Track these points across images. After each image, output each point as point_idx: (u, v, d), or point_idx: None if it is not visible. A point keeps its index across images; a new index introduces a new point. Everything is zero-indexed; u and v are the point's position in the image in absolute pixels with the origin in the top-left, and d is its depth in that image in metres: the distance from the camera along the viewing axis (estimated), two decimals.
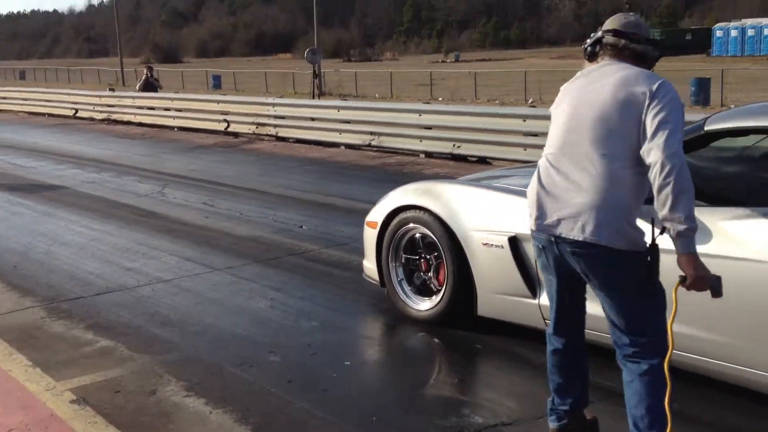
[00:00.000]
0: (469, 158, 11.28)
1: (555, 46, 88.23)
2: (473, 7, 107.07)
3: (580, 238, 2.76)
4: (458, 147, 11.24)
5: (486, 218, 4.34)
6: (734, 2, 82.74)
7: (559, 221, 2.83)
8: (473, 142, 11.10)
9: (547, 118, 11.40)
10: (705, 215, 3.34)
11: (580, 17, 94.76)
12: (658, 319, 2.80)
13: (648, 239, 2.72)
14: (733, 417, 3.48)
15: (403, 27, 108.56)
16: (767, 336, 3.23)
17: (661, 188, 2.58)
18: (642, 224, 2.80)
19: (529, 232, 3.96)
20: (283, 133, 14.74)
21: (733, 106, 19.58)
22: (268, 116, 15.04)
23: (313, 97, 21.78)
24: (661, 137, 2.62)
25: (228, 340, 4.62)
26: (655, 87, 2.75)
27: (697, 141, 3.70)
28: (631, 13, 2.98)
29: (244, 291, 5.55)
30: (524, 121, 10.33)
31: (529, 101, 24.64)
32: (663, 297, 2.81)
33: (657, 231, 2.71)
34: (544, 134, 10.82)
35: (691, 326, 3.42)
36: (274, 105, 15.06)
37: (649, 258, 2.72)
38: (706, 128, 3.66)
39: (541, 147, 10.83)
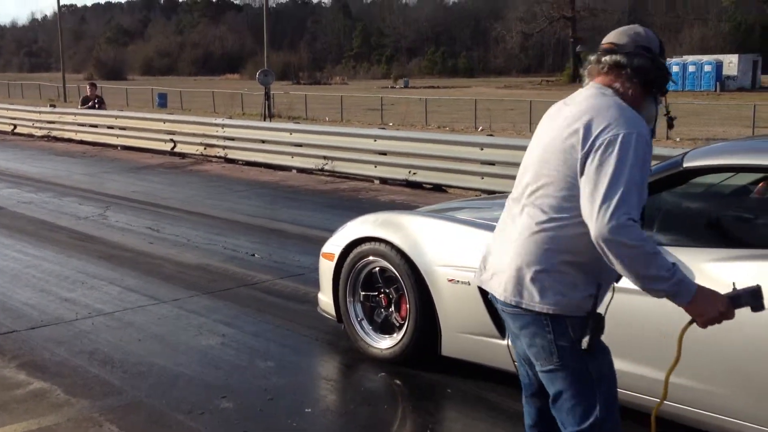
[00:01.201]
0: (424, 185, 11.05)
1: (501, 76, 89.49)
2: (422, 35, 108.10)
3: (502, 298, 2.43)
4: (414, 174, 11.00)
5: (452, 253, 4.09)
6: (675, 39, 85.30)
7: (492, 276, 2.49)
8: (429, 169, 10.88)
9: (505, 147, 11.29)
10: (686, 256, 3.21)
11: (526, 49, 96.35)
12: (583, 406, 2.36)
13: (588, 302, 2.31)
14: None
15: (352, 52, 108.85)
16: (745, 384, 3.09)
17: (617, 269, 2.19)
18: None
19: None
20: (232, 154, 14.32)
21: (678, 139, 19.95)
22: (217, 137, 14.60)
23: (264, 119, 21.36)
24: (595, 203, 2.14)
25: (174, 382, 4.23)
26: (599, 127, 2.23)
27: (675, 177, 3.54)
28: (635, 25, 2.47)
29: (192, 326, 5.16)
30: (482, 149, 10.15)
31: (479, 129, 24.67)
32: (602, 381, 2.36)
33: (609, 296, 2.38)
34: (502, 163, 10.69)
35: (660, 371, 3.19)
36: (223, 126, 14.63)
37: (584, 326, 2.30)
38: (684, 165, 3.50)
39: (498, 176, 10.71)
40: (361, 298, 4.59)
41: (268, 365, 4.48)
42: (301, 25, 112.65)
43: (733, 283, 2.30)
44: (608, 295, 2.43)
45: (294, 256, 7.08)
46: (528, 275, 2.32)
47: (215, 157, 14.67)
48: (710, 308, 2.20)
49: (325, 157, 12.44)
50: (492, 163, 10.05)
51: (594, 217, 2.14)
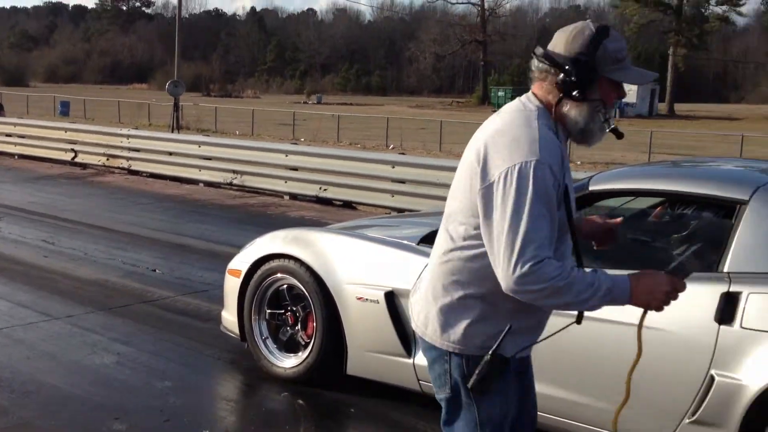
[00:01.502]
0: (335, 202, 11.00)
1: (414, 95, 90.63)
2: (337, 52, 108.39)
3: (413, 326, 2.33)
4: (325, 190, 10.93)
5: (362, 271, 4.06)
6: None
7: (416, 300, 2.37)
8: (340, 186, 10.83)
9: (416, 165, 11.30)
10: None
11: (438, 70, 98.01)
12: None
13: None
14: None
15: (266, 66, 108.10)
16: (644, 402, 3.12)
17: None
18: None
19: (407, 287, 3.77)
20: (137, 166, 13.90)
21: (579, 162, 20.59)
22: (122, 148, 14.16)
23: (173, 131, 20.87)
24: (496, 252, 1.98)
25: (65, 403, 4.02)
26: (494, 158, 2.02)
27: (581, 200, 3.60)
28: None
29: (86, 344, 4.92)
30: (393, 167, 10.19)
31: (390, 147, 24.85)
32: (486, 426, 2.20)
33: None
34: (413, 182, 10.71)
35: (567, 390, 3.34)
36: (128, 136, 14.20)
37: (478, 366, 2.12)
38: (590, 188, 3.59)
39: (408, 194, 10.73)
40: (267, 316, 4.49)
41: (166, 385, 4.31)
42: (214, 36, 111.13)
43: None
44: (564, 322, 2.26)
45: (198, 272, 6.89)
46: (434, 309, 2.20)
47: (118, 168, 14.22)
48: (654, 294, 2.05)
49: (234, 171, 12.23)
50: (403, 182, 10.10)
51: (497, 266, 1.99)
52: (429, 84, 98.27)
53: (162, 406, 4.04)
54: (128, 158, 14.03)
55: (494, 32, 76.96)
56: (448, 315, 2.18)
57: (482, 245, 2.07)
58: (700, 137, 30.91)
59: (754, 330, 2.89)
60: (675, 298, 2.08)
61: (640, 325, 2.18)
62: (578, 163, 20.87)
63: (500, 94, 59.71)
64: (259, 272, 4.47)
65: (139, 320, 5.45)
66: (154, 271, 6.90)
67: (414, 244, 4.02)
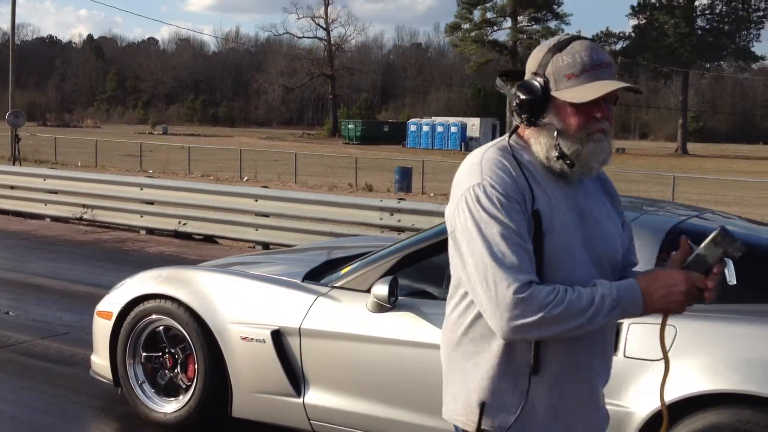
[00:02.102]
0: (195, 236, 10.69)
1: (263, 127, 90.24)
2: (181, 82, 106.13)
3: None
4: (184, 224, 10.60)
5: (245, 310, 3.95)
6: (424, 100, 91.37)
7: None
8: (201, 219, 10.54)
9: (280, 198, 11.24)
10: None
11: (287, 102, 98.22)
12: None
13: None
14: None
15: (105, 95, 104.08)
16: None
17: None
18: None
19: (294, 325, 3.77)
20: None
21: (432, 194, 21.20)
22: None
23: (13, 163, 19.56)
24: (479, 298, 1.77)
25: None
26: (451, 197, 1.86)
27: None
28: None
29: None
30: (256, 201, 10.05)
31: (245, 179, 24.54)
32: None
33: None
34: (277, 215, 10.61)
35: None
36: None
37: None
38: None
39: (272, 228, 10.59)
40: (143, 360, 4.28)
41: None
42: (49, 64, 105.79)
43: (668, 254, 1.91)
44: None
45: (55, 313, 6.47)
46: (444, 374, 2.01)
47: None
48: (672, 297, 1.76)
49: (84, 206, 11.62)
50: (266, 215, 9.98)
51: (485, 313, 1.77)
52: (278, 116, 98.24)
53: None
54: None
55: (341, 66, 78.27)
56: (449, 383, 2.01)
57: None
58: None
59: (635, 359, 3.04)
60: (699, 296, 1.78)
61: (661, 334, 1.89)
62: (432, 194, 21.50)
63: (350, 126, 60.64)
64: (132, 314, 4.26)
65: None
66: (8, 313, 6.41)
67: (298, 281, 3.97)
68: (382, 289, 3.47)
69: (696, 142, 69.96)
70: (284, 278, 4.04)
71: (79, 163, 28.03)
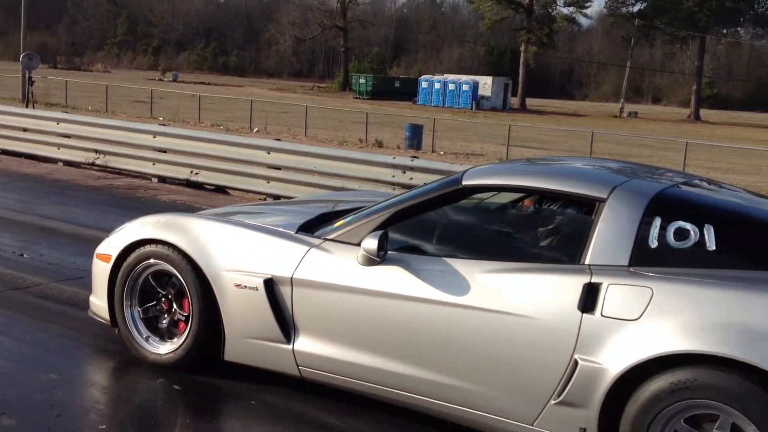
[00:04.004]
0: (206, 186, 10.73)
1: (273, 77, 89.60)
2: (192, 29, 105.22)
3: None
4: (196, 174, 10.64)
5: (240, 258, 4.06)
6: (436, 57, 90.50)
7: None
8: (213, 170, 10.56)
9: (292, 152, 11.28)
10: (463, 267, 3.50)
11: (298, 54, 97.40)
12: None
13: None
14: None
15: (116, 39, 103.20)
16: (514, 386, 3.37)
17: None
18: None
19: (286, 275, 3.88)
20: None
21: (442, 153, 21.18)
22: None
23: (27, 106, 19.51)
24: None
25: None
26: None
27: (454, 194, 3.84)
28: None
29: None
30: (269, 153, 10.06)
31: (255, 130, 24.50)
32: None
33: None
34: (288, 168, 10.65)
35: (439, 373, 3.54)
36: None
37: None
38: (463, 182, 3.79)
39: (284, 181, 10.69)
40: (140, 303, 4.41)
41: (51, 378, 4.10)
42: (59, 6, 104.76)
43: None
44: None
45: (69, 257, 6.55)
46: None
47: None
48: None
49: (96, 151, 11.65)
50: (278, 168, 10.00)
51: None
52: (289, 67, 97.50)
53: (50, 399, 3.84)
54: None
55: (354, 19, 77.35)
56: None
57: None
58: (551, 132, 32.51)
59: (613, 318, 3.13)
60: None
61: None
62: (441, 153, 21.46)
63: (361, 81, 60.17)
64: (130, 257, 4.37)
65: (13, 308, 5.13)
66: (22, 255, 6.50)
67: (293, 232, 4.08)
68: (371, 243, 3.59)
69: (709, 108, 69.36)
70: (279, 229, 4.15)
71: (90, 108, 27.99)
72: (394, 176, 9.05)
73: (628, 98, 64.45)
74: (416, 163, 9.24)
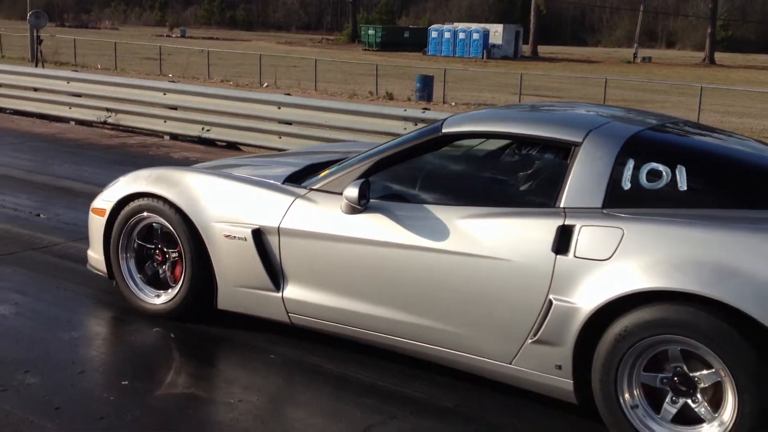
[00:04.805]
0: (218, 143, 10.73)
1: (281, 31, 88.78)
2: None
3: None
4: (208, 131, 10.64)
5: (229, 209, 4.16)
6: (446, 6, 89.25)
7: None
8: (224, 126, 10.56)
9: (303, 106, 11.23)
10: (442, 213, 3.58)
11: (306, 6, 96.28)
12: None
13: None
14: (474, 404, 3.61)
15: None
16: (492, 326, 3.45)
17: None
18: None
19: (273, 225, 3.98)
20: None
21: (453, 104, 21.03)
22: None
23: (36, 65, 19.46)
24: None
25: None
26: None
27: (434, 142, 3.90)
28: None
29: None
30: (279, 108, 10.02)
31: (264, 85, 24.38)
32: None
33: None
34: (300, 123, 10.63)
35: (421, 316, 3.64)
36: None
37: None
38: (443, 130, 3.84)
39: (295, 136, 10.68)
40: (135, 255, 4.54)
41: (72, 336, 4.17)
42: None
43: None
44: None
45: (84, 216, 6.44)
46: None
47: None
48: None
49: (108, 109, 11.65)
50: (289, 123, 9.97)
51: None
52: (296, 20, 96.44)
53: (73, 357, 3.91)
54: None
55: None
56: None
57: None
58: (564, 80, 32.16)
59: (585, 259, 3.20)
60: None
61: None
62: (453, 104, 21.30)
63: (370, 32, 59.49)
64: (124, 211, 4.48)
65: (32, 268, 5.20)
66: (38, 215, 6.56)
67: (279, 183, 4.16)
68: (352, 192, 3.68)
69: (724, 51, 68.26)
70: (266, 180, 4.23)
71: (99, 66, 27.90)
72: (405, 128, 9.01)
73: (641, 43, 63.46)
74: (427, 114, 9.19)
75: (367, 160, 3.95)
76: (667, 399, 3.10)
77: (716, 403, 2.99)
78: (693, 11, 79.86)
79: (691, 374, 3.04)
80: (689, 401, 3.06)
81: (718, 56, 59.96)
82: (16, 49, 31.11)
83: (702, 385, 3.03)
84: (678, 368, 3.07)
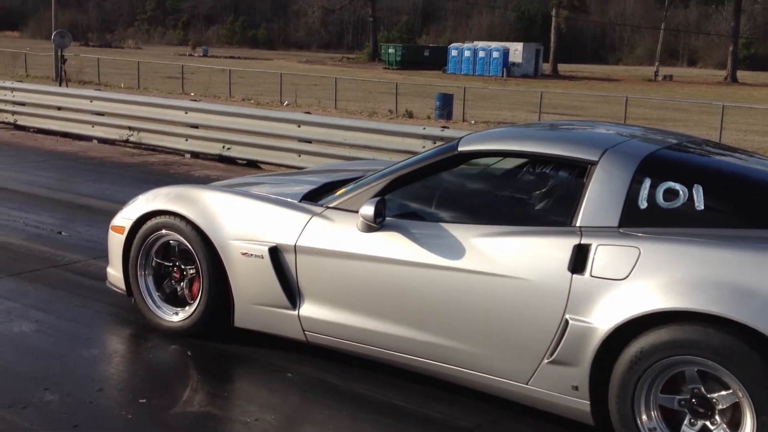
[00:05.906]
0: (239, 161, 10.81)
1: (302, 50, 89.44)
2: (221, 2, 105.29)
3: None
4: (228, 149, 10.72)
5: (246, 227, 4.20)
6: (466, 24, 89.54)
7: None
8: (244, 144, 10.64)
9: (322, 125, 11.31)
10: (458, 231, 3.58)
11: (327, 25, 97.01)
12: None
13: None
14: (494, 426, 3.58)
15: (145, 15, 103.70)
16: (508, 346, 3.44)
17: None
18: None
19: (290, 243, 4.00)
20: (23, 121, 13.16)
21: (473, 122, 21.05)
22: (5, 101, 13.36)
23: (60, 84, 19.75)
24: None
25: None
26: None
27: (450, 160, 3.92)
28: None
29: (1, 312, 4.71)
30: (299, 126, 10.09)
31: (285, 103, 24.55)
32: None
33: None
34: (319, 141, 10.68)
35: (437, 335, 3.63)
36: (12, 89, 13.40)
37: None
38: (459, 149, 3.86)
39: (315, 154, 10.72)
40: (153, 272, 4.58)
41: (92, 353, 4.21)
42: None
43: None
44: None
45: (105, 234, 6.59)
46: None
47: (3, 123, 13.43)
48: None
49: (130, 128, 11.79)
50: (309, 141, 10.04)
51: None
52: (318, 39, 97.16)
53: (92, 374, 3.95)
54: (13, 112, 13.27)
55: None
56: None
57: None
58: (584, 98, 32.09)
59: (602, 278, 3.18)
60: None
61: None
62: (473, 122, 21.32)
63: (390, 50, 59.81)
64: (143, 229, 4.53)
65: (52, 286, 5.25)
66: (60, 233, 6.63)
67: (296, 201, 4.19)
68: (368, 210, 3.69)
69: (746, 69, 67.82)
70: (283, 198, 4.26)
71: (122, 85, 28.25)
72: (424, 147, 9.03)
73: (662, 61, 63.25)
74: (447, 133, 9.21)
75: (383, 178, 3.97)
76: (686, 421, 3.07)
77: (735, 425, 2.96)
78: (715, 29, 79.54)
79: (708, 396, 3.02)
80: (708, 423, 3.03)
81: (741, 74, 59.58)
82: (41, 68, 31.58)
83: (720, 407, 3.00)
84: (696, 390, 3.04)
